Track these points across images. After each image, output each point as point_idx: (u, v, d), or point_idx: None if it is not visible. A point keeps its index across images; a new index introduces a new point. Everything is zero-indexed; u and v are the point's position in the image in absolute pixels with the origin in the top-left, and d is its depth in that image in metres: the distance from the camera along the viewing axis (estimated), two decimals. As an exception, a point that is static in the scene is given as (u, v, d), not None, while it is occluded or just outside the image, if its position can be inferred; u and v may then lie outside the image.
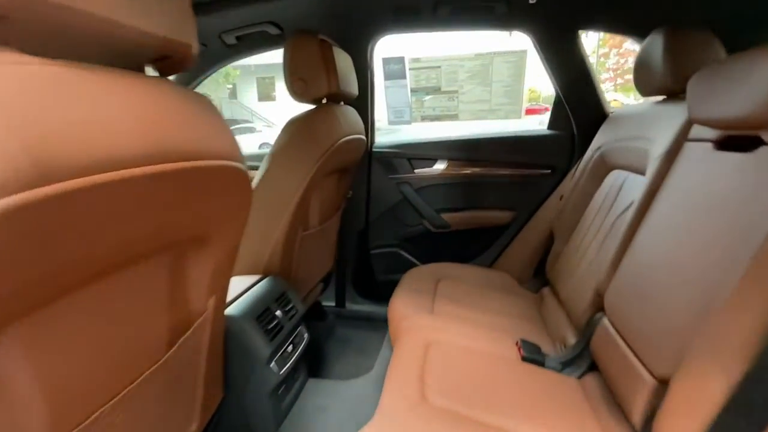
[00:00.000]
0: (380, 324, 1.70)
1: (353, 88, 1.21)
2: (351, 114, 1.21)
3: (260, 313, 0.87)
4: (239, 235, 0.64)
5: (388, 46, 1.50)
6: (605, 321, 0.86)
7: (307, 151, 1.02)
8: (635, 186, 0.98)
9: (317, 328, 1.68)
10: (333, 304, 1.76)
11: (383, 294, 1.75)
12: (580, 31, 1.29)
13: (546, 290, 1.33)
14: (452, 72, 1.45)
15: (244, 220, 0.63)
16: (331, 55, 1.06)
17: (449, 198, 1.58)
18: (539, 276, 1.44)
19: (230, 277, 0.69)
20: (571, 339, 1.01)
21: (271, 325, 0.88)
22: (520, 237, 1.51)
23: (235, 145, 0.55)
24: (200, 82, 1.60)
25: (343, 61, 1.14)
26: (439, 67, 1.45)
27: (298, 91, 1.05)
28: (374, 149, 1.57)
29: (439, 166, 1.54)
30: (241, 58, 1.51)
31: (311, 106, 1.10)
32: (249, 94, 14.02)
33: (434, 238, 1.63)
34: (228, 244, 0.62)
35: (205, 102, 0.52)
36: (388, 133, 1.88)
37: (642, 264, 0.77)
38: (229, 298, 0.89)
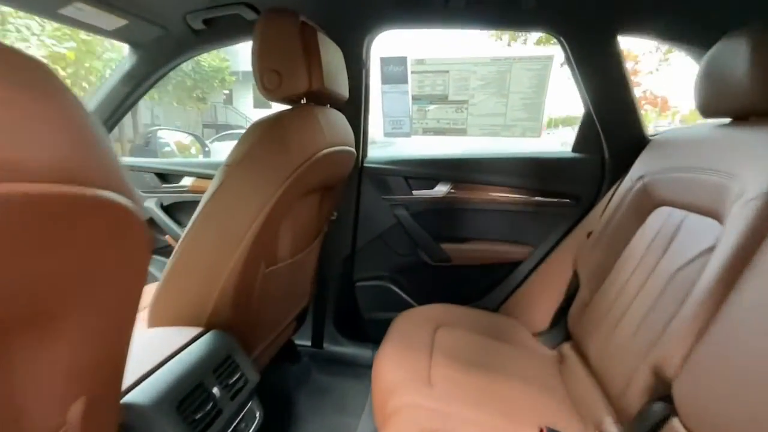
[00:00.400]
0: (363, 371, 1.43)
1: (343, 89, 0.97)
2: (338, 120, 0.96)
3: (186, 394, 0.60)
4: (130, 304, 0.38)
5: (387, 44, 1.27)
6: (677, 424, 0.61)
7: (275, 164, 0.77)
8: (703, 231, 0.75)
9: (288, 373, 1.41)
10: (308, 343, 1.49)
11: (368, 334, 1.49)
12: (619, 37, 1.07)
13: (567, 347, 1.08)
14: (462, 78, 1.22)
15: (136, 282, 0.37)
16: (315, 43, 0.82)
17: (452, 226, 1.33)
18: (558, 327, 1.19)
19: (122, 362, 0.42)
20: (612, 429, 0.76)
21: (203, 413, 0.61)
22: (535, 277, 1.27)
23: (109, 163, 0.30)
24: (163, 76, 1.35)
25: (332, 53, 0.90)
26: (447, 72, 1.22)
27: (269, 86, 0.81)
28: (366, 164, 1.33)
29: (442, 188, 1.31)
30: (212, 48, 1.27)
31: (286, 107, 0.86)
32: (245, 101, 13.89)
33: (431, 273, 1.38)
34: (104, 322, 0.36)
35: (47, 80, 0.27)
36: (383, 146, 1.65)
37: (749, 351, 0.53)
38: (143, 369, 0.62)
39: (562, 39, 1.09)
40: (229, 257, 0.76)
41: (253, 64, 0.81)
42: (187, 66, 9.59)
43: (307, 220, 1.02)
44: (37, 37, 6.72)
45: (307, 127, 0.82)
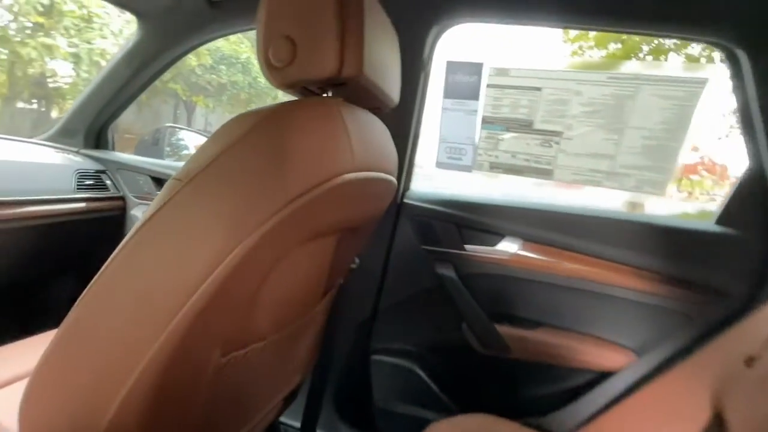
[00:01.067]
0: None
1: (392, 89, 0.64)
2: (377, 131, 0.63)
3: None
4: None
5: (458, 44, 0.96)
6: None
7: (259, 185, 0.44)
8: None
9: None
10: (297, 424, 1.11)
11: (377, 428, 1.10)
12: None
13: None
14: (559, 100, 0.87)
15: None
16: (359, 6, 0.51)
17: (516, 302, 0.95)
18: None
19: None
20: None
21: None
22: (635, 402, 0.84)
23: None
24: (175, 60, 1.10)
25: (382, 30, 0.58)
26: (539, 89, 0.88)
27: (276, 60, 0.49)
28: (406, 200, 0.99)
29: (508, 247, 0.93)
30: (232, 29, 1.01)
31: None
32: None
33: (478, 364, 0.98)
34: None
35: None
36: (431, 180, 1.30)
37: None
38: None
39: (740, 53, 0.72)
40: (150, 337, 0.43)
41: (258, 29, 0.51)
42: (244, 80, 9.97)
43: (312, 273, 0.68)
44: (114, 37, 7.21)
45: (324, 131, 0.50)
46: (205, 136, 1.85)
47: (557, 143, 0.90)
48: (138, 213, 1.20)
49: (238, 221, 0.42)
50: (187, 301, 0.41)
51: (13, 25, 6.23)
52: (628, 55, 4.75)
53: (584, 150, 0.89)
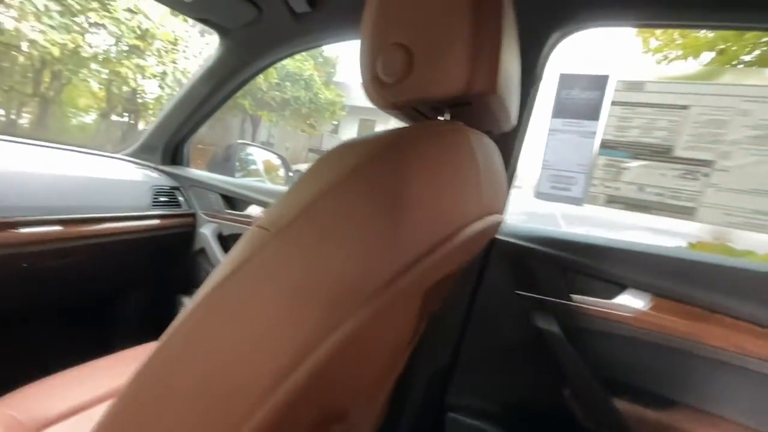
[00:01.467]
0: None
1: (512, 109, 0.51)
2: (498, 163, 0.51)
3: None
4: None
5: (573, 54, 0.81)
6: None
7: (368, 246, 0.32)
8: None
9: None
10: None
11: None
12: None
13: None
14: (712, 121, 0.69)
15: None
16: (498, 11, 0.39)
17: (643, 372, 0.75)
18: None
19: None
20: None
21: None
22: None
23: None
24: (254, 75, 1.07)
25: (512, 39, 0.46)
26: (686, 107, 0.70)
27: (386, 75, 0.39)
28: (499, 235, 0.84)
29: (631, 301, 0.75)
30: (316, 42, 0.94)
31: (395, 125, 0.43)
32: (350, 133, 14.69)
33: None
34: None
35: None
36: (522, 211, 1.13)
37: None
38: None
39: None
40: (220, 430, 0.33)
41: (363, 38, 0.41)
42: (305, 96, 10.42)
43: (400, 332, 0.56)
44: (195, 58, 7.89)
45: (454, 168, 0.38)
46: (272, 151, 1.84)
47: (706, 175, 0.71)
48: (206, 231, 1.18)
49: (340, 295, 0.31)
50: (269, 395, 0.31)
51: (113, 48, 7.03)
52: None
53: (746, 185, 0.69)
